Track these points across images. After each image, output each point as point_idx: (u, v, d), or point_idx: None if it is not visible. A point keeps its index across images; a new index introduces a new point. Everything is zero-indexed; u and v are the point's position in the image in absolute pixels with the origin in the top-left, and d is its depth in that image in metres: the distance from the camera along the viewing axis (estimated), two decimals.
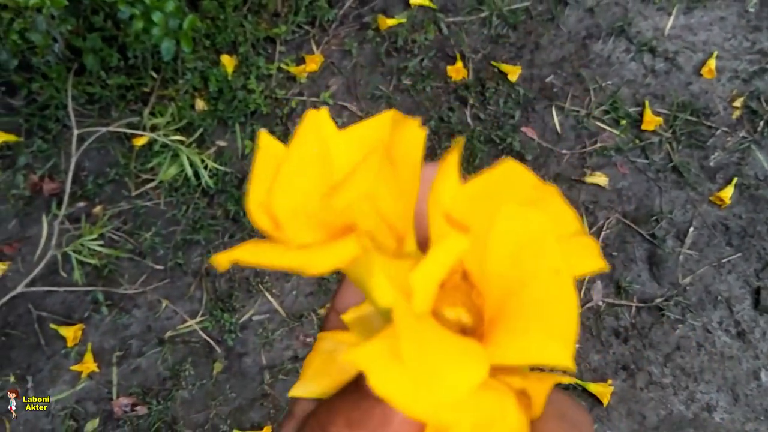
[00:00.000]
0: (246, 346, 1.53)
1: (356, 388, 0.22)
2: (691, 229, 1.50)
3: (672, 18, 1.71)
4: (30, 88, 1.78)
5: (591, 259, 0.20)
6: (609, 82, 1.66)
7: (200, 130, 1.75)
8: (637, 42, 1.70)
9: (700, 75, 1.63)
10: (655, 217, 1.51)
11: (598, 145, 1.60)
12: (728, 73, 1.63)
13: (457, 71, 1.71)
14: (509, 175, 0.21)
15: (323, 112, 0.23)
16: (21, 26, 1.55)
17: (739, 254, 1.47)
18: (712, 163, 1.55)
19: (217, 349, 1.52)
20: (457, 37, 1.76)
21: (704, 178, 1.54)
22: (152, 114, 1.78)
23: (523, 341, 0.18)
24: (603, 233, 1.51)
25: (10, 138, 1.78)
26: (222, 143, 1.75)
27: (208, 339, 1.53)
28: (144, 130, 1.73)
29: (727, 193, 1.49)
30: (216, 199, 1.69)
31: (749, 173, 1.53)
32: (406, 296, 0.19)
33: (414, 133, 0.22)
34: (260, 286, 1.58)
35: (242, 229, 1.64)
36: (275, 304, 1.55)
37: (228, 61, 1.81)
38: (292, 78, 1.80)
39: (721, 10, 1.70)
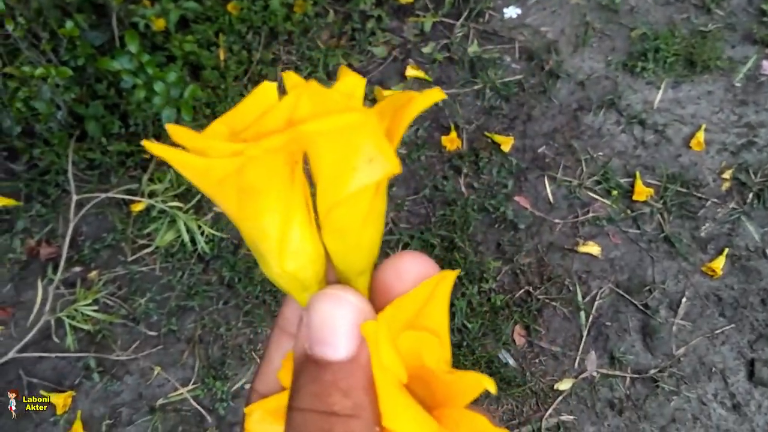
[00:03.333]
0: (237, 414, 1.51)
1: None
2: (684, 299, 1.50)
3: (661, 92, 1.76)
4: (32, 154, 1.81)
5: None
6: (600, 153, 1.70)
7: (198, 197, 1.77)
8: (626, 114, 1.74)
9: (689, 147, 1.67)
10: (647, 287, 1.52)
11: (591, 215, 1.62)
12: (716, 146, 1.67)
13: (451, 141, 1.75)
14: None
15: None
16: (26, 95, 1.59)
17: (732, 325, 1.47)
18: (703, 234, 1.57)
19: (208, 418, 1.50)
20: (452, 109, 1.81)
21: (696, 248, 1.55)
22: (151, 180, 1.81)
23: None
24: (596, 303, 1.51)
25: (10, 202, 1.80)
26: (219, 209, 1.77)
27: (199, 408, 1.51)
28: (142, 196, 1.75)
29: (719, 263, 1.50)
30: (211, 265, 1.69)
31: (740, 244, 1.54)
32: None
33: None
34: (253, 353, 1.57)
35: (237, 295, 1.64)
36: None
37: None
38: None
39: (708, 84, 1.76)
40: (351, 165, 0.23)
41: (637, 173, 1.64)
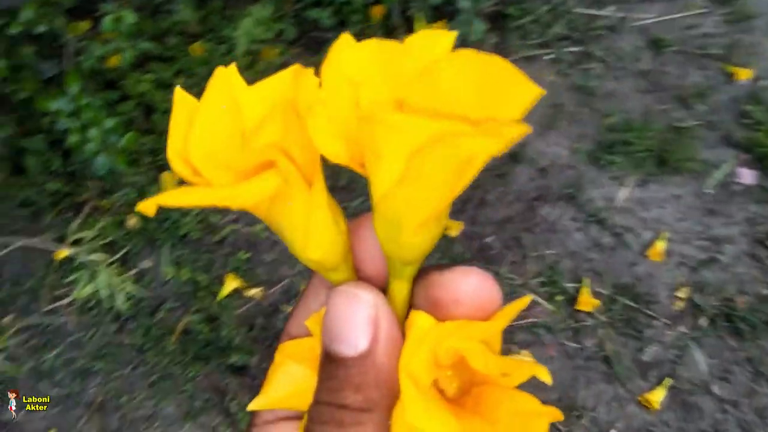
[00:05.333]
0: None
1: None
2: None
3: (625, 190, 1.63)
4: None
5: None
6: (550, 251, 1.57)
7: (126, 249, 1.69)
8: (585, 211, 1.61)
9: (647, 256, 1.53)
10: (577, 413, 1.38)
11: (530, 320, 1.49)
12: (676, 258, 1.53)
13: None
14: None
15: (232, 68, 0.25)
16: None
17: None
18: (646, 357, 1.43)
19: None
20: None
21: (636, 373, 1.42)
22: (83, 225, 1.73)
23: None
24: None
25: None
26: (145, 265, 1.68)
27: None
28: (67, 243, 1.67)
29: (658, 395, 1.36)
30: (127, 326, 1.60)
31: (684, 375, 1.40)
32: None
33: (310, 83, 0.24)
34: (151, 429, 1.47)
35: (145, 363, 1.55)
36: None
37: (168, 180, 1.76)
38: None
39: (677, 187, 1.62)
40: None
41: (587, 280, 1.51)
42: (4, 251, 1.66)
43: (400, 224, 0.25)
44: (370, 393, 0.24)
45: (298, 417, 0.30)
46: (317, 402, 0.25)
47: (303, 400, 0.28)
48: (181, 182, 0.25)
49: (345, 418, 0.24)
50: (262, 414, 0.30)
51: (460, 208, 1.66)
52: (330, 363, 0.25)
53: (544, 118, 1.75)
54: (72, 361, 1.57)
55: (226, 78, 0.25)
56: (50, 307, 1.64)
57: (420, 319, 0.26)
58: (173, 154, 0.25)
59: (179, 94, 0.26)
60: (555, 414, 0.24)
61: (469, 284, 0.26)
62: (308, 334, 0.30)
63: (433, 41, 0.24)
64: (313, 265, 0.28)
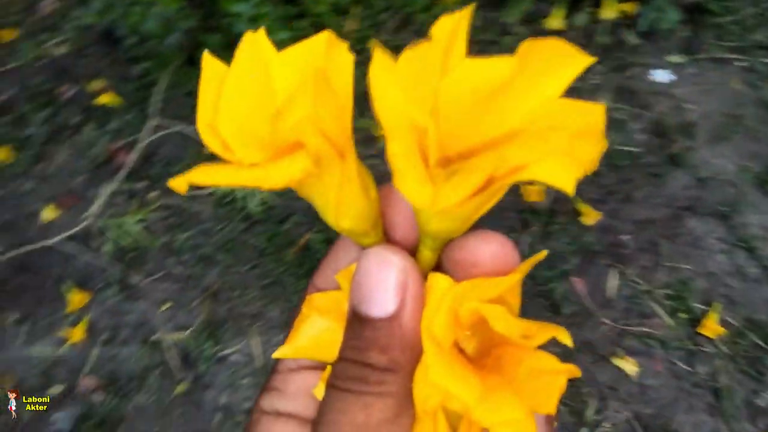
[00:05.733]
0: (214, 379, 1.52)
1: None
2: None
3: None
4: (146, 66, 1.89)
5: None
6: (686, 266, 1.48)
7: None
8: (736, 234, 1.50)
9: None
10: None
11: (644, 329, 1.42)
12: None
13: (532, 191, 1.60)
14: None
15: (261, 34, 0.25)
16: (139, 12, 1.64)
17: None
18: (761, 403, 1.33)
19: (188, 371, 1.53)
20: None
21: (745, 416, 1.32)
22: None
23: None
24: (601, 428, 1.34)
25: (111, 100, 1.91)
26: None
27: (185, 358, 1.54)
28: None
29: None
30: (254, 229, 1.69)
31: None
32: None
33: (344, 57, 0.24)
34: (254, 327, 1.56)
35: (263, 266, 1.63)
36: (257, 351, 1.52)
37: None
38: (372, 138, 1.76)
39: None
40: None
41: (718, 305, 1.41)
42: (165, 132, 1.79)
43: (463, 219, 0.25)
44: (396, 354, 0.25)
45: (319, 367, 0.31)
46: (343, 359, 0.26)
47: (326, 352, 0.29)
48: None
49: (369, 377, 0.25)
50: (285, 362, 0.32)
51: (601, 198, 1.59)
52: (357, 322, 0.25)
53: (718, 126, 1.62)
54: (200, 246, 1.69)
55: (255, 43, 0.24)
56: (192, 193, 1.76)
57: (438, 281, 0.26)
58: (203, 125, 0.24)
59: (207, 59, 0.25)
60: (573, 371, 0.24)
61: (489, 248, 0.27)
62: (335, 288, 0.30)
63: (453, 27, 0.22)
64: (344, 232, 0.28)
